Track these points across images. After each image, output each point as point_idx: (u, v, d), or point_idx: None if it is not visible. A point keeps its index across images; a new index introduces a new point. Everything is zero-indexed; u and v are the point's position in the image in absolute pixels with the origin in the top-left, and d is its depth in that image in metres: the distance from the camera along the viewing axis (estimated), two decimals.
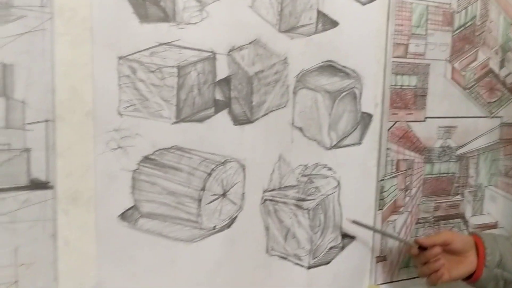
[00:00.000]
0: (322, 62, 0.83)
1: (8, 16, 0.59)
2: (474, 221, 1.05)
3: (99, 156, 0.66)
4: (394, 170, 0.93)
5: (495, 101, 1.03)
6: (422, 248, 0.86)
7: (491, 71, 1.02)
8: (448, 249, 0.86)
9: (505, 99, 1.05)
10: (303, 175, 0.84)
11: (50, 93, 0.62)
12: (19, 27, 0.60)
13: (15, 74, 0.60)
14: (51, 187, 0.63)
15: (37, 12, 0.60)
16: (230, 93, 0.76)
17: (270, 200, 0.81)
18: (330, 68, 0.84)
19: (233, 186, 0.78)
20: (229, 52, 0.75)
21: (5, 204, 0.61)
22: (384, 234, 0.92)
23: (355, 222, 0.88)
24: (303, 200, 0.84)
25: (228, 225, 0.78)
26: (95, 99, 0.65)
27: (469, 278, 0.88)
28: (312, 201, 0.85)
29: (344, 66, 0.85)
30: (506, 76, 1.04)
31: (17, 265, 0.63)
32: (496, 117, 1.04)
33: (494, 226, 1.08)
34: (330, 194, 0.86)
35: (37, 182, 0.63)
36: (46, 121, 0.63)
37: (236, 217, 0.78)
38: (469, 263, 0.87)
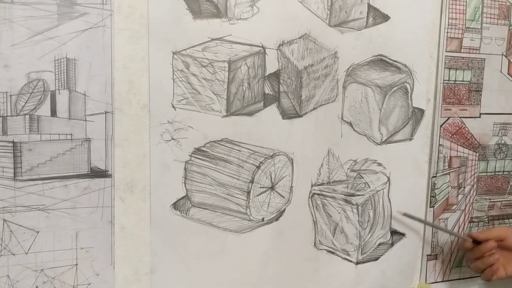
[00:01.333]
0: (373, 57, 0.83)
1: (72, 13, 0.63)
2: None
3: (154, 147, 0.69)
4: (447, 167, 0.92)
5: None
6: (476, 243, 0.85)
7: None
8: (502, 245, 0.85)
9: None
10: (352, 170, 0.84)
11: (110, 86, 0.66)
12: (82, 24, 0.64)
13: (78, 68, 0.64)
14: (109, 176, 0.67)
15: (98, 9, 0.64)
16: (279, 87, 0.78)
17: (318, 194, 0.82)
18: (381, 62, 0.84)
19: (281, 180, 0.79)
20: (279, 46, 0.76)
21: (67, 190, 0.65)
22: (435, 227, 0.91)
23: (406, 215, 0.87)
24: (352, 195, 0.84)
25: (276, 218, 0.79)
26: (151, 92, 0.68)
27: None
28: (361, 196, 0.85)
29: (395, 61, 0.84)
30: None
31: (78, 249, 0.67)
32: None
33: None
34: (380, 190, 0.86)
35: (96, 171, 0.66)
36: (106, 112, 0.66)
37: (284, 210, 0.80)
38: None
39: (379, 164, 0.86)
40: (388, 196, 0.87)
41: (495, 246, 0.84)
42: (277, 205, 0.79)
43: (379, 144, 0.85)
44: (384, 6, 0.83)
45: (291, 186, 0.80)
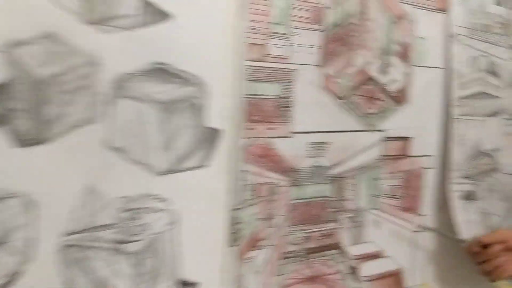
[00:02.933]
0: (150, 65, 0.65)
1: None
2: (354, 251, 0.92)
3: None
4: (253, 197, 0.78)
5: (376, 113, 0.91)
6: (483, 247, 0.90)
7: (370, 78, 0.89)
8: (506, 247, 0.89)
9: (388, 110, 0.92)
10: (125, 210, 0.66)
11: None
12: None
13: None
14: None
15: None
16: (10, 104, 0.56)
17: (75, 245, 0.62)
18: (161, 72, 0.66)
19: (17, 230, 0.58)
20: (8, 48, 0.55)
21: None
22: (446, 236, 0.97)
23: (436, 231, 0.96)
24: (125, 242, 0.66)
25: (7, 284, 0.58)
26: None
27: None
28: (137, 242, 0.67)
29: (181, 70, 0.68)
30: (390, 83, 0.91)
31: None
32: (377, 130, 0.91)
33: (377, 255, 0.96)
34: (164, 231, 0.69)
35: None
36: None
37: (22, 271, 0.59)
38: None
39: (163, 200, 0.68)
40: (176, 239, 0.70)
41: (502, 249, 0.88)
42: (9, 266, 0.58)
43: (162, 175, 0.68)
44: (164, 0, 0.65)
45: (33, 238, 0.59)
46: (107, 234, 0.65)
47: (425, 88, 0.97)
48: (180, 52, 0.67)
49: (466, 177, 1.04)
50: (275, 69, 0.76)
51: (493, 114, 1.10)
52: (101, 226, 0.64)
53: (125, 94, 0.64)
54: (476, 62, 1.04)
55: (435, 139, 1.01)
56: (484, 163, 1.08)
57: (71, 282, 0.62)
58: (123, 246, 0.65)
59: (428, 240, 1.03)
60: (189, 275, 0.72)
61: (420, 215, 1.01)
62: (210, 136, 0.72)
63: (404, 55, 0.93)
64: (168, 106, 0.67)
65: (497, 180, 1.13)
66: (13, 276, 0.58)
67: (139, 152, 0.66)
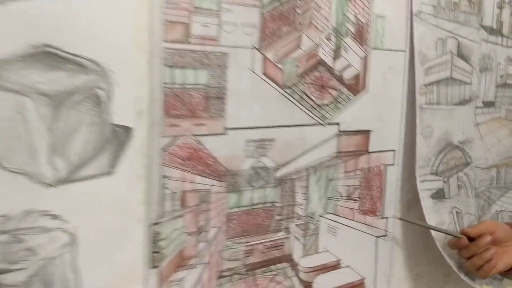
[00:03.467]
0: (33, 48, 0.51)
1: None
2: (307, 263, 0.80)
3: None
4: (178, 207, 0.64)
5: (329, 104, 0.78)
6: (469, 239, 0.84)
7: (321, 62, 0.76)
8: (492, 239, 0.84)
9: (343, 100, 0.80)
10: (2, 232, 0.51)
11: None
12: None
13: None
14: None
15: None
16: None
17: None
18: (49, 57, 0.52)
19: None
20: None
21: None
22: (433, 229, 0.88)
23: (402, 219, 0.87)
24: (4, 272, 0.51)
25: None
26: None
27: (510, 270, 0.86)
28: (19, 271, 0.53)
29: (75, 54, 0.53)
30: (344, 69, 0.79)
31: None
32: (332, 123, 0.79)
33: (335, 266, 0.84)
34: (57, 256, 0.55)
35: None
36: None
37: None
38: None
39: (54, 217, 0.54)
40: (74, 264, 0.56)
41: (491, 240, 0.83)
42: None
43: (53, 186, 0.54)
44: None
45: None
46: None
47: (385, 74, 0.84)
48: (74, 32, 0.53)
49: (434, 174, 0.92)
50: (201, 52, 0.63)
51: (463, 102, 0.99)
52: None
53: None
54: (443, 44, 0.92)
55: (398, 132, 0.88)
56: (454, 157, 0.97)
57: None
58: (0, 277, 0.51)
59: (392, 245, 0.91)
60: None
61: (383, 217, 0.89)
62: (117, 136, 0.58)
63: (360, 36, 0.80)
64: (58, 100, 0.53)
65: (468, 176, 1.02)
66: None
67: (20, 158, 0.52)
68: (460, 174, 1.00)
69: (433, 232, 0.89)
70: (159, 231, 0.63)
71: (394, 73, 0.86)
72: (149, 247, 0.62)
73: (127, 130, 0.58)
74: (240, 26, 0.66)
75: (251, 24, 0.67)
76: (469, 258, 0.85)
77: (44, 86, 0.52)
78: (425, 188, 0.90)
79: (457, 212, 0.97)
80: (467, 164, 1.02)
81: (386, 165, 0.88)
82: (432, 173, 0.91)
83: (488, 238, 0.83)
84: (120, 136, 0.58)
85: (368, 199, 0.86)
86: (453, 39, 0.95)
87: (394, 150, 0.89)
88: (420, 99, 0.87)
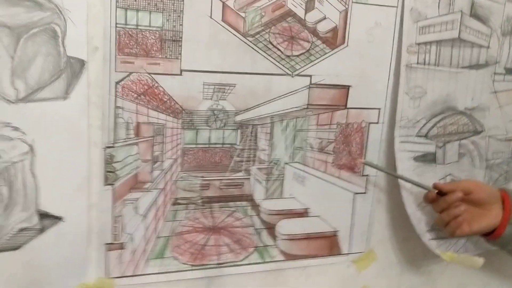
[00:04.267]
0: None
1: None
2: (271, 205, 0.84)
3: None
4: (132, 136, 0.73)
5: (299, 55, 0.80)
6: (441, 194, 0.82)
7: (290, 13, 0.77)
8: (470, 199, 0.81)
9: (317, 53, 0.81)
10: None
11: None
12: None
13: None
14: None
15: None
16: None
17: None
18: None
19: None
20: None
21: None
22: (398, 177, 0.86)
23: (367, 164, 0.86)
24: None
25: None
26: None
27: (489, 234, 0.83)
28: None
29: None
30: (318, 21, 0.79)
31: None
32: (303, 75, 0.81)
33: (303, 213, 0.87)
34: (17, 161, 0.66)
35: None
36: None
37: None
38: (492, 217, 0.81)
39: (15, 129, 0.66)
40: (31, 170, 0.67)
41: (461, 197, 0.80)
42: None
43: (14, 103, 0.65)
44: None
45: None
46: None
47: (371, 30, 0.83)
48: None
49: (422, 136, 0.89)
50: None
51: (476, 66, 0.93)
52: None
53: None
54: (449, 2, 0.87)
55: (384, 91, 0.87)
56: (455, 123, 0.93)
57: None
58: None
59: (373, 203, 0.91)
60: (51, 209, 0.69)
61: (363, 175, 0.89)
62: (72, 67, 0.67)
63: None
64: (18, 31, 0.63)
65: (477, 144, 0.97)
66: None
67: None
68: (464, 141, 0.95)
69: (401, 182, 0.87)
70: (113, 154, 0.72)
71: (383, 30, 0.84)
72: (105, 167, 0.72)
73: (81, 62, 0.67)
74: None
75: None
76: (438, 212, 0.83)
77: (6, 19, 0.62)
78: (405, 149, 0.88)
79: (452, 180, 0.93)
80: (476, 132, 0.96)
81: (369, 123, 0.87)
82: (419, 136, 0.89)
83: (459, 195, 0.80)
84: (74, 67, 0.67)
85: (345, 154, 0.87)
86: None
87: (379, 109, 0.87)
88: (408, 58, 0.85)
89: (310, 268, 0.90)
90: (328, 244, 0.90)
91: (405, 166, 0.88)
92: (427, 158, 0.90)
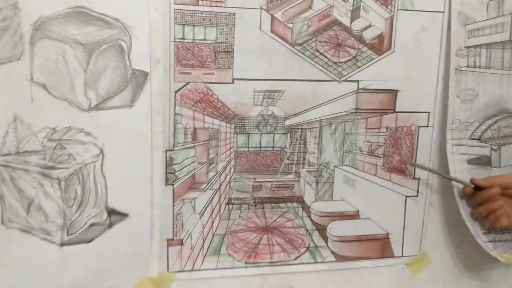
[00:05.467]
0: (70, 8, 0.69)
1: None
2: (321, 207, 0.86)
3: None
4: (190, 140, 0.78)
5: (347, 61, 0.82)
6: (478, 189, 0.82)
7: (336, 22, 0.80)
8: (509, 193, 0.81)
9: (364, 59, 0.83)
10: (50, 140, 0.72)
11: None
12: None
13: None
14: None
15: None
16: None
17: (4, 166, 0.71)
18: (82, 15, 0.70)
19: None
20: None
21: None
22: (432, 171, 0.87)
23: (403, 161, 0.86)
24: (52, 168, 0.72)
25: None
26: None
27: None
28: (64, 169, 0.73)
29: (101, 13, 0.70)
30: (364, 29, 0.82)
31: None
32: (350, 81, 0.83)
33: (353, 215, 0.88)
34: (90, 163, 0.74)
35: None
36: None
37: None
38: None
39: (88, 134, 0.73)
40: (101, 171, 0.74)
41: (499, 192, 0.80)
42: None
43: (87, 111, 0.72)
44: None
45: None
46: (35, 159, 0.72)
47: (418, 35, 0.84)
48: None
49: (476, 139, 0.88)
50: (209, 12, 0.74)
51: None
52: (29, 151, 0.71)
53: (46, 35, 0.69)
54: (498, 5, 0.86)
55: (433, 94, 0.87)
56: (509, 125, 0.90)
57: (2, 196, 0.71)
58: (49, 171, 0.72)
59: (426, 207, 0.90)
60: (119, 206, 0.76)
61: (414, 178, 0.89)
62: (137, 78, 0.74)
63: None
64: (90, 48, 0.71)
65: None
66: None
67: (62, 88, 0.71)
68: None
69: (454, 184, 0.86)
70: (173, 156, 0.77)
71: (429, 34, 0.84)
72: (166, 168, 0.77)
73: (145, 74, 0.74)
74: None
75: None
76: (476, 206, 0.84)
77: (80, 37, 0.70)
78: (458, 151, 0.86)
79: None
80: None
81: (419, 126, 0.87)
82: (473, 138, 0.87)
83: (495, 191, 0.80)
84: (139, 78, 0.74)
85: (395, 157, 0.87)
86: None
87: (428, 112, 0.87)
88: (457, 61, 0.84)
89: (363, 270, 0.90)
90: (380, 246, 0.90)
91: (458, 168, 0.86)
92: (482, 161, 0.88)
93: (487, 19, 0.85)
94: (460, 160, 0.87)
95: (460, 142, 0.87)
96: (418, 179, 0.89)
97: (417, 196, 0.89)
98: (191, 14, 0.74)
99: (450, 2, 0.83)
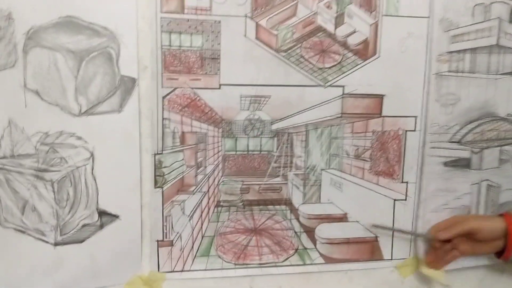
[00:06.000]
0: (60, 18, 0.72)
1: None
2: (309, 210, 0.87)
3: None
4: (178, 144, 0.79)
5: (332, 67, 0.83)
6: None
7: (320, 29, 0.81)
8: (472, 238, 0.82)
9: (349, 64, 0.83)
10: (43, 144, 0.74)
11: None
12: None
13: None
14: None
15: None
16: None
17: (0, 168, 0.73)
18: (72, 24, 0.72)
19: None
20: None
21: None
22: (401, 232, 0.89)
23: (375, 226, 0.87)
24: (45, 170, 0.75)
25: None
26: None
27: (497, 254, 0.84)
28: (56, 172, 0.75)
29: (91, 23, 0.73)
30: (349, 35, 0.82)
31: None
32: (336, 86, 0.83)
33: (341, 218, 0.88)
34: (81, 166, 0.76)
35: None
36: None
37: None
38: (494, 247, 0.83)
39: (79, 138, 0.75)
40: (92, 173, 0.76)
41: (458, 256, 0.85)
42: None
43: (78, 116, 0.75)
44: None
45: None
46: (28, 162, 0.74)
47: (404, 41, 0.84)
48: (90, 6, 0.72)
49: (455, 142, 0.88)
50: (195, 20, 0.76)
51: None
52: (23, 155, 0.74)
53: (38, 44, 0.72)
54: (484, 10, 0.86)
55: (420, 99, 0.87)
56: (496, 129, 0.90)
57: None
58: (42, 174, 0.74)
59: (415, 210, 0.90)
60: (109, 208, 0.78)
61: (402, 182, 0.89)
62: (125, 84, 0.76)
63: (368, 3, 0.82)
64: (80, 55, 0.73)
65: None
66: None
67: (54, 94, 0.73)
68: (508, 147, 0.91)
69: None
70: (162, 160, 0.79)
71: (415, 40, 0.85)
72: (155, 171, 0.79)
73: (133, 80, 0.76)
74: None
75: None
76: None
77: (70, 45, 0.73)
78: (435, 154, 0.86)
79: (488, 185, 0.90)
80: None
81: (406, 130, 0.87)
82: (452, 141, 0.87)
83: (460, 240, 0.83)
84: (127, 84, 0.76)
85: (382, 161, 0.88)
86: (502, 4, 0.87)
87: (415, 116, 0.87)
88: (438, 66, 0.84)
89: (352, 272, 0.90)
90: (369, 248, 0.90)
91: (432, 170, 0.86)
92: (460, 163, 0.88)
93: (472, 24, 0.85)
94: (435, 162, 0.87)
95: (439, 145, 0.87)
96: (407, 182, 0.89)
97: (405, 199, 0.89)
98: (177, 22, 0.75)
99: (433, 8, 0.83)
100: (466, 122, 0.87)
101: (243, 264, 0.85)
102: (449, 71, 0.85)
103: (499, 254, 0.84)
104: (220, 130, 0.81)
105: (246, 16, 0.77)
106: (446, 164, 0.87)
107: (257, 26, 0.78)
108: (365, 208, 0.88)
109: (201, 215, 0.82)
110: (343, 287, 0.91)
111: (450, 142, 0.87)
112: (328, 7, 0.80)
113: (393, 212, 0.90)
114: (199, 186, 0.81)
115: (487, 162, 0.89)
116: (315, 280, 0.89)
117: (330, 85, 0.83)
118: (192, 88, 0.78)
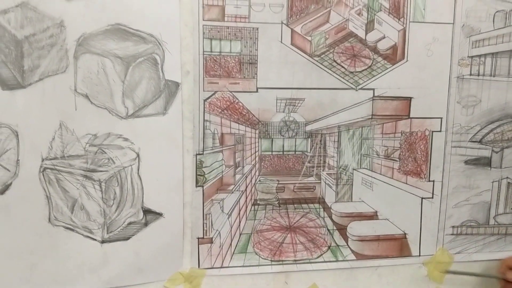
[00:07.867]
0: (109, 26, 0.72)
1: None
2: (340, 208, 0.86)
3: None
4: (218, 144, 0.79)
5: (362, 71, 0.82)
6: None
7: (352, 34, 0.81)
8: None
9: (379, 68, 0.83)
10: (92, 145, 0.74)
11: None
12: None
13: None
14: None
15: None
16: None
17: (51, 168, 0.73)
18: (120, 31, 0.72)
19: (5, 152, 0.71)
20: None
21: None
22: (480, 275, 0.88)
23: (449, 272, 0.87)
24: (93, 171, 0.74)
25: (1, 191, 0.71)
26: None
27: None
28: (104, 172, 0.74)
29: (137, 30, 0.73)
30: (378, 40, 0.82)
31: None
32: (366, 89, 0.83)
33: (372, 216, 0.87)
34: (127, 166, 0.75)
35: None
36: None
37: (10, 183, 0.72)
38: None
39: (126, 139, 0.75)
40: (138, 173, 0.76)
41: None
42: (1, 179, 0.71)
43: (125, 118, 0.74)
44: None
45: (17, 160, 0.71)
46: (78, 163, 0.74)
47: (430, 46, 0.84)
48: (136, 14, 0.72)
49: (476, 142, 0.87)
50: (234, 28, 0.76)
51: None
52: (73, 156, 0.73)
53: (88, 50, 0.72)
54: (505, 16, 0.85)
55: (445, 101, 0.86)
56: None
57: (49, 196, 0.73)
58: (91, 174, 0.74)
59: (441, 208, 0.89)
60: (153, 206, 0.77)
61: (429, 181, 0.88)
62: (169, 88, 0.75)
63: (397, 10, 0.82)
64: (127, 61, 0.73)
65: None
66: (6, 186, 0.71)
67: (103, 98, 0.73)
68: None
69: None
70: (203, 160, 0.78)
71: (441, 44, 0.84)
72: (196, 171, 0.78)
73: (176, 84, 0.75)
74: (269, 6, 0.77)
75: (279, 4, 0.77)
76: None
77: (118, 51, 0.72)
78: (457, 153, 0.85)
79: (509, 183, 0.89)
80: None
81: (432, 131, 0.87)
82: (473, 141, 0.86)
83: None
84: (171, 88, 0.75)
85: (410, 161, 0.87)
86: None
87: (441, 118, 0.86)
88: (459, 70, 0.84)
89: (381, 268, 0.89)
90: (398, 245, 0.88)
91: (454, 168, 0.85)
92: (481, 162, 0.87)
93: (493, 30, 0.85)
94: (457, 160, 0.86)
95: (459, 144, 0.86)
96: (433, 181, 0.88)
97: (432, 198, 0.88)
98: (218, 30, 0.75)
99: (457, 14, 0.83)
100: (487, 123, 0.87)
101: (279, 260, 0.84)
102: (471, 75, 0.84)
103: None
104: (257, 131, 0.80)
105: (282, 23, 0.77)
106: (466, 162, 0.86)
107: (292, 32, 0.78)
108: (394, 206, 0.87)
109: (239, 213, 0.81)
110: (373, 283, 0.89)
111: (471, 141, 0.86)
112: (359, 14, 0.80)
113: (420, 210, 0.88)
114: (237, 185, 0.80)
115: (507, 160, 0.88)
116: (346, 276, 0.88)
117: (361, 88, 0.82)
118: (231, 92, 0.77)
